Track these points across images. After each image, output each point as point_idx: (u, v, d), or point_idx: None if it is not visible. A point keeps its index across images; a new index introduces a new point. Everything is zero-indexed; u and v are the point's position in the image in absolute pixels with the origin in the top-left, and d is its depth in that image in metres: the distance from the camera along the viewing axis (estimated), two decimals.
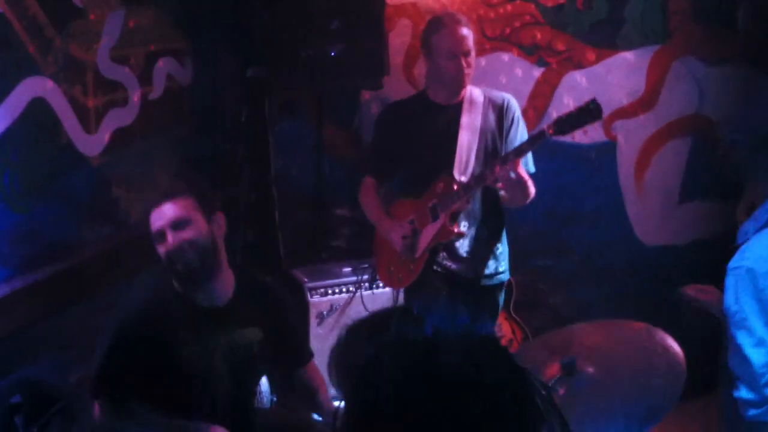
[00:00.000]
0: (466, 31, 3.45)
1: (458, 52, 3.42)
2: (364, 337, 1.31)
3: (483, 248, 3.61)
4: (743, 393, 2.23)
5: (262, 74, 4.73)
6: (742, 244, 2.34)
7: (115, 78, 3.74)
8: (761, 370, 2.19)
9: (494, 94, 3.62)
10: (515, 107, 3.61)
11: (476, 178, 3.40)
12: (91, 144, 3.60)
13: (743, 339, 2.22)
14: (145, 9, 3.96)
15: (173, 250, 2.70)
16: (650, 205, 4.42)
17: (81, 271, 3.59)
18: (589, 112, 3.19)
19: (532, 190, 3.41)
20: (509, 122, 3.56)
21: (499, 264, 3.67)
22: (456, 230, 3.48)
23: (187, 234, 2.71)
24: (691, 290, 2.89)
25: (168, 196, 2.74)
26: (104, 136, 3.67)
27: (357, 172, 3.89)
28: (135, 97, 3.88)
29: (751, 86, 4.12)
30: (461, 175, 3.48)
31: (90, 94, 3.57)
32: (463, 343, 1.21)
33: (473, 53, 3.47)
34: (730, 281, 2.27)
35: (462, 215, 3.52)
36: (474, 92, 3.56)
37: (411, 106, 3.68)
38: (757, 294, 2.21)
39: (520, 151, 3.30)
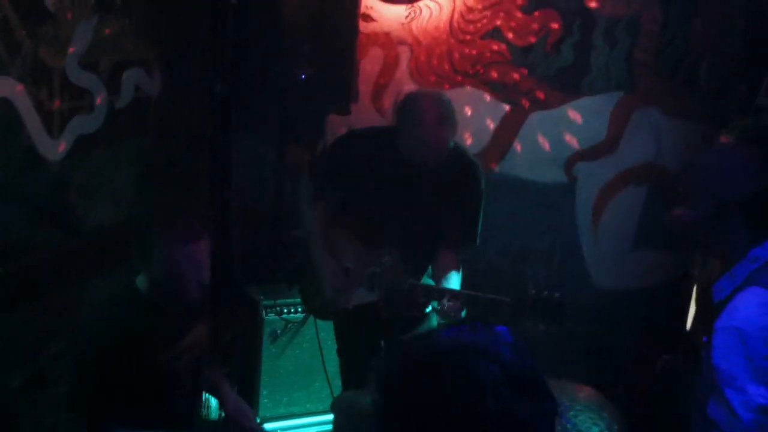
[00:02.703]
0: (445, 133, 3.19)
1: (430, 154, 3.21)
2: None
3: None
4: None
5: (229, 91, 4.74)
6: (721, 302, 2.33)
7: (82, 84, 3.72)
8: (750, 425, 2.22)
9: (459, 152, 3.43)
10: (479, 170, 3.47)
11: (425, 296, 3.24)
12: (53, 148, 3.57)
13: (733, 397, 2.24)
14: (117, 18, 3.95)
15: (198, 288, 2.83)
16: (604, 248, 4.49)
17: (30, 273, 3.55)
18: (551, 312, 3.07)
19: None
20: (469, 187, 3.44)
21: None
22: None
23: (205, 274, 2.85)
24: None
25: (201, 234, 2.87)
26: (67, 141, 3.64)
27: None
28: (101, 104, 3.86)
29: (708, 142, 4.22)
30: (409, 257, 3.34)
31: (56, 99, 3.55)
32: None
33: (448, 145, 3.24)
34: (719, 340, 2.27)
35: None
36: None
37: (376, 144, 3.46)
38: (746, 353, 2.22)
39: (475, 300, 3.20)
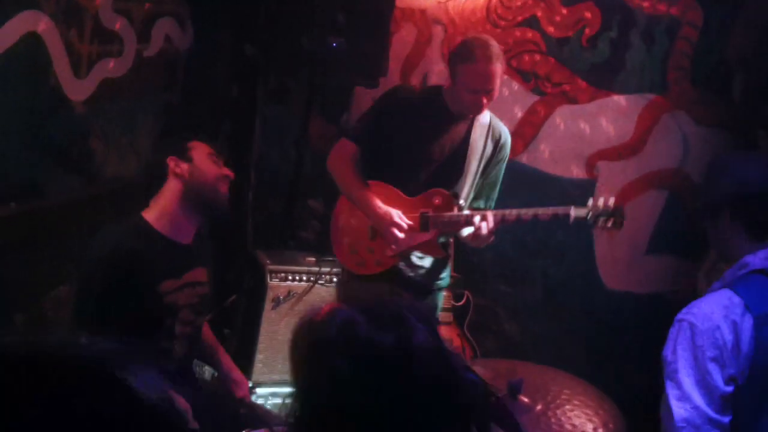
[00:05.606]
0: (495, 68, 3.26)
1: (481, 89, 3.29)
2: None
3: (438, 264, 3.63)
4: None
5: (258, 54, 4.71)
6: None
7: (113, 29, 3.71)
8: (680, 424, 2.19)
9: (497, 123, 3.55)
10: (508, 147, 3.58)
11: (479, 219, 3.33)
12: (78, 89, 3.56)
13: (670, 390, 2.22)
14: None
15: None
16: (618, 250, 4.44)
17: (44, 215, 3.54)
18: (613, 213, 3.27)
19: None
20: (497, 160, 3.55)
21: (446, 274, 3.69)
22: (443, 253, 3.53)
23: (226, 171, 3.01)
24: None
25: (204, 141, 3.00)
26: (93, 83, 3.63)
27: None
28: (130, 50, 3.84)
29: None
30: (462, 199, 3.47)
31: (86, 40, 3.53)
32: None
33: (497, 89, 3.34)
34: (672, 331, 2.26)
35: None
36: (483, 114, 3.48)
37: (424, 99, 3.53)
38: (693, 350, 2.20)
39: (536, 214, 3.34)
